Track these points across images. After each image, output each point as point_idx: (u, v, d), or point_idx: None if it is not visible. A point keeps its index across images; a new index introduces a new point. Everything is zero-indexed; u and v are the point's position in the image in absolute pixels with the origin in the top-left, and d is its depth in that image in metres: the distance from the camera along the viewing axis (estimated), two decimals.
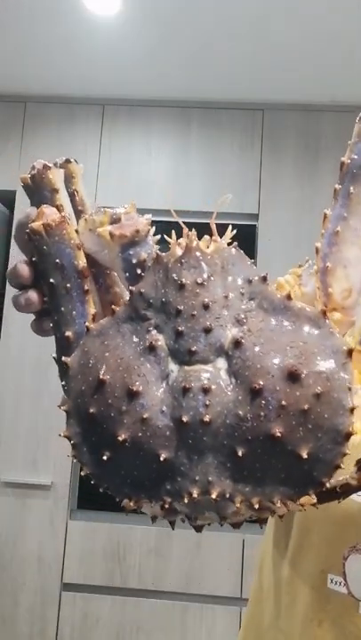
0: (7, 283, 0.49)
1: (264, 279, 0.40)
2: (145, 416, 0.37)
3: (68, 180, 0.48)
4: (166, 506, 0.38)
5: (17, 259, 0.46)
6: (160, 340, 0.39)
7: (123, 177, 2.36)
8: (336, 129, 2.27)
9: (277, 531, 0.78)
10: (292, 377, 0.36)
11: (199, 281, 0.39)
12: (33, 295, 0.45)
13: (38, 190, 0.46)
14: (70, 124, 2.43)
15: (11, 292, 0.46)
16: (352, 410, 0.37)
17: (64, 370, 0.42)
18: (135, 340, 0.40)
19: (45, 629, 2.12)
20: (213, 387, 0.37)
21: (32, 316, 0.48)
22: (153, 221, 0.45)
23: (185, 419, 0.36)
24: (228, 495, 0.37)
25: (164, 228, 0.47)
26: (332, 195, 0.43)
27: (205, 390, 0.37)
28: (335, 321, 0.41)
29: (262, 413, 0.36)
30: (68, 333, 0.43)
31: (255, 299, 0.40)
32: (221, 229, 0.44)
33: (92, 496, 2.21)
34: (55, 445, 2.21)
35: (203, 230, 0.47)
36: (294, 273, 0.45)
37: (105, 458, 0.39)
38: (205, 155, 2.38)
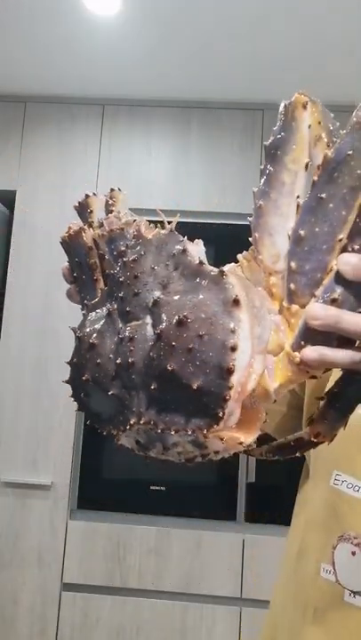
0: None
1: (184, 251, 0.49)
2: (98, 361, 0.50)
3: (111, 203, 0.62)
4: (120, 433, 0.49)
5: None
6: (114, 307, 0.51)
7: (123, 177, 2.36)
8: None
9: (292, 521, 0.80)
10: (181, 323, 0.45)
11: (134, 258, 0.50)
12: (72, 288, 0.60)
13: (83, 211, 0.63)
14: (70, 123, 2.43)
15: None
16: (233, 349, 0.43)
17: None
18: (107, 308, 0.52)
19: (45, 629, 2.13)
20: (137, 336, 0.48)
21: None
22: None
23: (118, 361, 0.48)
24: (152, 423, 0.46)
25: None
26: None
27: (131, 339, 0.48)
28: (272, 284, 0.48)
29: (162, 353, 0.45)
30: (84, 312, 0.56)
31: (178, 267, 0.49)
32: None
33: (92, 496, 2.21)
34: (55, 445, 2.22)
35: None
36: (252, 249, 0.50)
37: (82, 395, 0.52)
38: (205, 155, 2.39)
